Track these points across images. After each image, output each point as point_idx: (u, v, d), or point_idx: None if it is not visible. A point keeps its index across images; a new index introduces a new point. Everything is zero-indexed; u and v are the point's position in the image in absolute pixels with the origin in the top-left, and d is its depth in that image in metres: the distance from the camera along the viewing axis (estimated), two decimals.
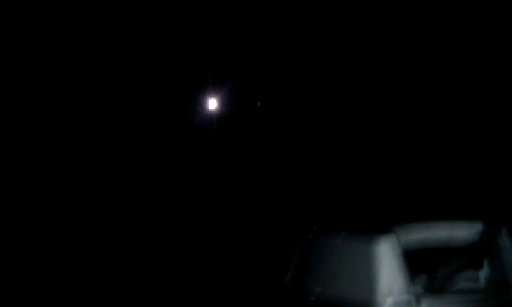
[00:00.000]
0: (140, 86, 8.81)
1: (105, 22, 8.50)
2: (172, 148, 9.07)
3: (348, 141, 8.77)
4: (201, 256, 6.91)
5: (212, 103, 9.16)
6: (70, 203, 7.33)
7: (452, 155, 7.81)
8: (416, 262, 2.00)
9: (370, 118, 8.72)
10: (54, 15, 8.27)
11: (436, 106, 8.18)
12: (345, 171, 8.46)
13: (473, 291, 1.95)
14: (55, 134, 8.28)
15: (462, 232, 2.07)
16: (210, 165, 9.18)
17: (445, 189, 7.08)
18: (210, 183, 8.90)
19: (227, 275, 6.30)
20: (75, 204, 7.33)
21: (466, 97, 8.04)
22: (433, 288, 1.95)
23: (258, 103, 9.29)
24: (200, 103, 9.23)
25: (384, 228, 1.97)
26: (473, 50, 7.91)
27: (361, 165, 8.37)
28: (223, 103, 9.13)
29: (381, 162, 8.27)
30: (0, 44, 8.12)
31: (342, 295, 1.89)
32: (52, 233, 5.54)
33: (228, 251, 7.22)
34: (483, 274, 2.06)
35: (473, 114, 7.82)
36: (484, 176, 7.21)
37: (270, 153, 9.11)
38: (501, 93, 7.78)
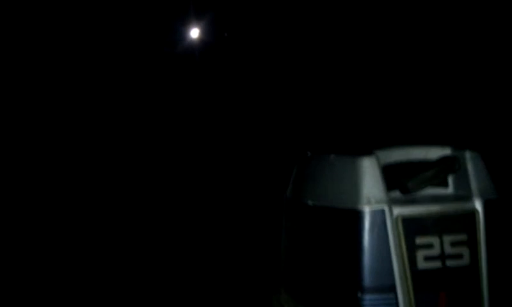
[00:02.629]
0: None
1: None
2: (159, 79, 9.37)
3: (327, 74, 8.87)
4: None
5: (195, 33, 9.61)
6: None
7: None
8: (393, 179, 2.42)
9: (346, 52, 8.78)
10: None
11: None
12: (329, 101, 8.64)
13: (441, 198, 2.36)
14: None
15: (434, 155, 2.48)
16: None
17: (423, 118, 7.38)
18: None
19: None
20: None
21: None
22: (404, 198, 2.37)
23: (226, 34, 9.44)
24: (183, 33, 9.53)
25: (366, 150, 2.39)
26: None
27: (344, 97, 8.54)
28: (204, 33, 9.43)
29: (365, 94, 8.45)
30: None
31: (331, 205, 2.32)
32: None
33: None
34: (449, 190, 2.49)
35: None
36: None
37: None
38: None
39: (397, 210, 2.26)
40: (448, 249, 2.23)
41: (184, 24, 9.24)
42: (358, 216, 2.24)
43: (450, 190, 2.44)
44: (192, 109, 9.47)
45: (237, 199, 6.89)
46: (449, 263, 2.22)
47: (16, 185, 6.91)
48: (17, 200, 6.48)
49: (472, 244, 2.24)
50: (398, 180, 2.39)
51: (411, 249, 2.22)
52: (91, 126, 8.72)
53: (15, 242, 5.25)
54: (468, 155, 2.41)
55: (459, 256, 2.23)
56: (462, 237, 2.25)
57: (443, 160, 2.42)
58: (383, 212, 2.25)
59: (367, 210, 2.25)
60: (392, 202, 2.27)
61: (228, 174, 7.96)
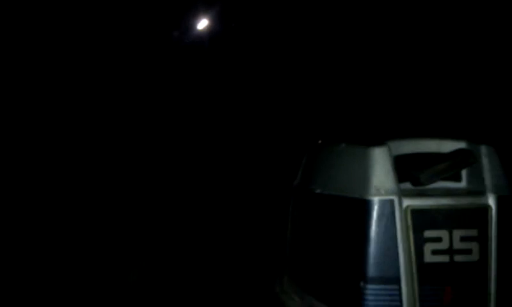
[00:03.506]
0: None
1: None
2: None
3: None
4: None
5: (203, 23, 9.59)
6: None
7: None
8: (405, 170, 2.38)
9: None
10: None
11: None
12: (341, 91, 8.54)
13: (453, 192, 2.31)
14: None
15: (448, 148, 2.43)
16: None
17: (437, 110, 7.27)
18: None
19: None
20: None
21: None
22: (415, 190, 2.33)
23: (233, 24, 9.37)
24: (191, 23, 9.53)
25: (378, 140, 2.35)
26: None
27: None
28: (212, 23, 9.40)
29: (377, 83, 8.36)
30: None
31: (339, 193, 2.29)
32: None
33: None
34: (462, 184, 2.43)
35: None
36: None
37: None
38: None
39: (407, 202, 2.22)
40: (458, 244, 2.19)
41: (193, 15, 9.29)
42: (366, 205, 2.21)
43: (463, 184, 2.39)
44: (202, 97, 9.47)
45: (244, 187, 6.88)
46: (457, 258, 2.17)
47: (16, 185, 6.97)
48: (17, 200, 6.53)
49: (483, 239, 2.19)
50: (410, 171, 2.34)
51: (419, 241, 2.17)
52: (93, 122, 8.76)
53: (15, 242, 5.27)
54: (483, 149, 2.36)
55: (468, 252, 2.18)
56: (472, 232, 2.20)
57: (457, 153, 2.36)
58: (392, 202, 2.21)
59: (375, 200, 2.21)
60: (402, 193, 2.23)
61: (236, 165, 7.94)
